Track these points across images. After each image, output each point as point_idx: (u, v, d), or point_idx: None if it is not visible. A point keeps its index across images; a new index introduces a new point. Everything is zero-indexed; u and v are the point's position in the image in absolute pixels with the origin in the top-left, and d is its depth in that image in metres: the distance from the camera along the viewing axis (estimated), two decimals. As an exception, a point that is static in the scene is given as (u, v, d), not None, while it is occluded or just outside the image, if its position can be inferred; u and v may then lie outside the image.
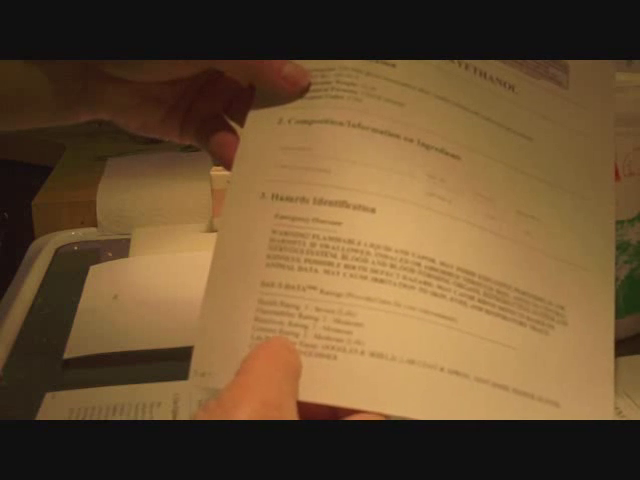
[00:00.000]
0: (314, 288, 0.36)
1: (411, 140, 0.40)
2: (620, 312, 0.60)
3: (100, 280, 0.76)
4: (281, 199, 0.39)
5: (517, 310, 0.39)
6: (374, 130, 0.40)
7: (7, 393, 0.61)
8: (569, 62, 0.46)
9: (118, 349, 0.63)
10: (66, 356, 0.63)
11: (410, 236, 0.38)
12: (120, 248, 0.85)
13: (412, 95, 0.41)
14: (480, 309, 0.38)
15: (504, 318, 0.38)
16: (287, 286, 0.37)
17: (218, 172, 0.84)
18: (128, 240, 0.86)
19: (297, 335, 0.36)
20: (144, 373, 0.61)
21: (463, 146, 0.41)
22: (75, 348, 0.64)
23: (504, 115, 0.43)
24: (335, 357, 0.35)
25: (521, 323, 0.38)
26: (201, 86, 0.48)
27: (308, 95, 0.41)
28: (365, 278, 0.37)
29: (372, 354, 0.36)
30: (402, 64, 0.42)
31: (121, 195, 0.92)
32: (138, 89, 0.47)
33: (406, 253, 0.38)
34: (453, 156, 0.41)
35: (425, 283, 0.37)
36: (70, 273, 0.81)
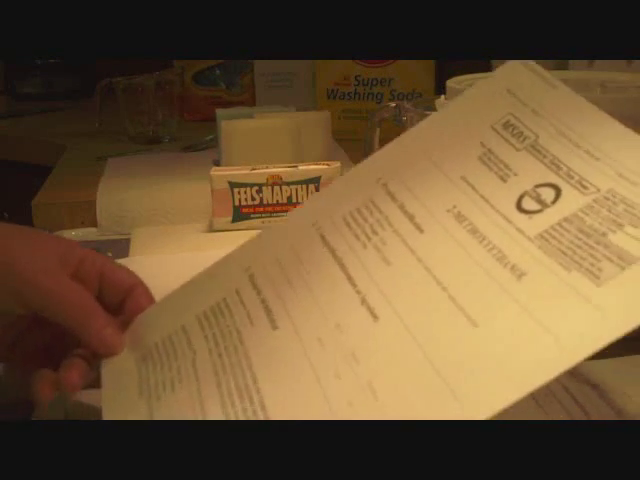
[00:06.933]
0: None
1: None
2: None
3: (100, 280, 0.76)
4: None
5: None
6: None
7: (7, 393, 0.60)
8: None
9: (118, 349, 0.63)
10: (66, 356, 0.63)
11: None
12: (120, 248, 0.84)
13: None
14: None
15: None
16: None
17: (218, 172, 0.84)
18: (128, 240, 0.85)
19: None
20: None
21: None
22: (75, 348, 0.63)
23: None
24: None
25: None
26: (30, 322, 0.49)
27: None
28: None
29: None
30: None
31: (121, 195, 0.92)
32: None
33: None
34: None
35: None
36: (70, 273, 0.80)
